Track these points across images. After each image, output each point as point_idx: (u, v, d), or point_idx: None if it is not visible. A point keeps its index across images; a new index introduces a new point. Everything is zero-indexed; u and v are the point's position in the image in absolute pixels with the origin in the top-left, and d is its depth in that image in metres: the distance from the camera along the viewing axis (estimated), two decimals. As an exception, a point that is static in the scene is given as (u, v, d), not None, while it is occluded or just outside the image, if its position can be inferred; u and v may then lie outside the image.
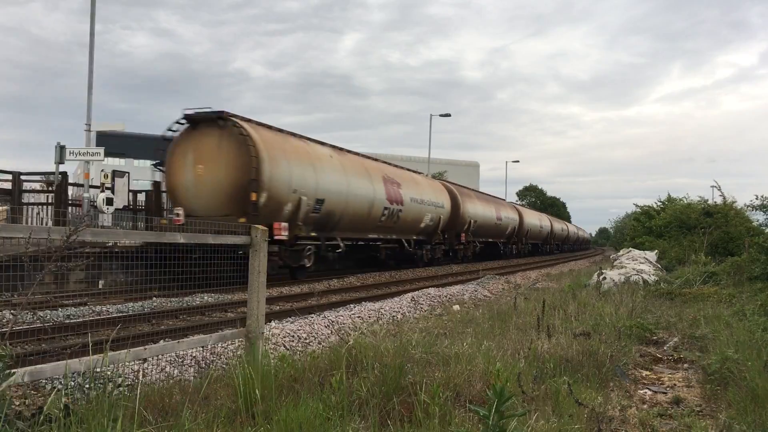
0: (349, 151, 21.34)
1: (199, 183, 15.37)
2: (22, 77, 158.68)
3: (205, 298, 12.05)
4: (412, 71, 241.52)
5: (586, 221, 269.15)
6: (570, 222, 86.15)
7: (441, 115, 45.15)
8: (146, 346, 4.80)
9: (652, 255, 19.95)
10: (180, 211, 15.37)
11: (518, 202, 71.56)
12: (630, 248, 23.35)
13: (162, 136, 16.27)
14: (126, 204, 21.85)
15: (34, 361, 5.90)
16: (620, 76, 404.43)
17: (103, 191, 19.29)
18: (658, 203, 32.65)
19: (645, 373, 6.18)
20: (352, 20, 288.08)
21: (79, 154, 18.87)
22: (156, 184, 18.61)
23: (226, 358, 6.20)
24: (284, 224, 15.45)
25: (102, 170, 20.63)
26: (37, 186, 21.79)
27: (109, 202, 18.91)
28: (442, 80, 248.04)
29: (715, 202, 26.50)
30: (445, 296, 13.66)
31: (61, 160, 18.63)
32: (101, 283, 13.80)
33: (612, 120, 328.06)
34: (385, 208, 21.31)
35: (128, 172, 22.62)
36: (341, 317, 9.90)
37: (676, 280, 14.08)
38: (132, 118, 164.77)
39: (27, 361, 5.33)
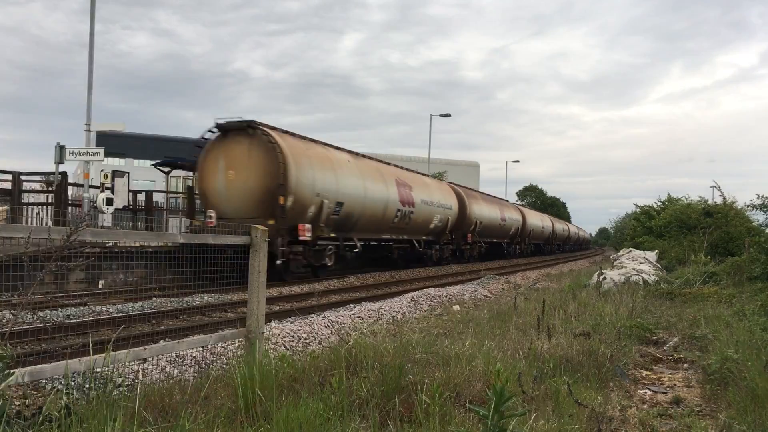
0: (364, 156, 22.39)
1: (230, 187, 16.29)
2: (22, 77, 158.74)
3: (206, 298, 12.06)
4: (412, 71, 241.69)
5: (586, 221, 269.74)
6: (570, 222, 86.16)
7: (441, 115, 45.20)
8: (146, 346, 4.80)
9: (652, 255, 19.95)
10: (212, 213, 16.36)
11: (518, 202, 71.64)
12: (630, 248, 23.35)
13: (194, 143, 17.48)
14: (126, 204, 21.85)
15: (34, 361, 5.90)
16: (620, 76, 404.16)
17: (102, 191, 19.29)
18: (658, 203, 32.68)
19: (645, 373, 6.18)
20: (352, 20, 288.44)
21: (79, 154, 18.86)
22: (189, 189, 19.58)
23: (226, 358, 6.20)
24: (308, 226, 16.43)
25: (102, 170, 20.63)
26: (37, 186, 21.80)
27: (109, 202, 18.91)
28: (442, 80, 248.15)
29: (715, 202, 26.52)
30: (445, 296, 13.66)
31: (61, 160, 18.63)
32: (101, 283, 13.81)
33: (612, 120, 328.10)
34: (398, 210, 22.28)
35: (128, 172, 22.61)
36: (341, 317, 9.90)
37: (676, 280, 14.08)
38: (132, 118, 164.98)
39: (27, 361, 5.33)
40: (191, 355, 6.34)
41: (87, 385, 4.67)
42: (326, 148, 19.30)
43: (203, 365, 6.19)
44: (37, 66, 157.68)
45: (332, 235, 18.02)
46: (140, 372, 5.52)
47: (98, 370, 4.29)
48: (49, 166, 19.89)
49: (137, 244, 14.73)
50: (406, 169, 26.25)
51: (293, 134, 17.78)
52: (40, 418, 3.50)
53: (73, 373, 4.72)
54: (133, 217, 21.91)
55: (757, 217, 20.93)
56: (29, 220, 18.08)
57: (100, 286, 13.55)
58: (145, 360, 5.55)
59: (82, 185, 20.46)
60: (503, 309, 9.57)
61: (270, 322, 8.55)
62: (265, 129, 16.34)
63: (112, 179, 20.48)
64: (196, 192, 17.64)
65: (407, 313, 11.12)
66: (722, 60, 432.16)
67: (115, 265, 14.41)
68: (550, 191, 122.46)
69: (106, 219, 19.15)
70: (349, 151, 21.05)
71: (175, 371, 5.86)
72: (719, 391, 5.08)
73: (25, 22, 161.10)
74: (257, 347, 5.34)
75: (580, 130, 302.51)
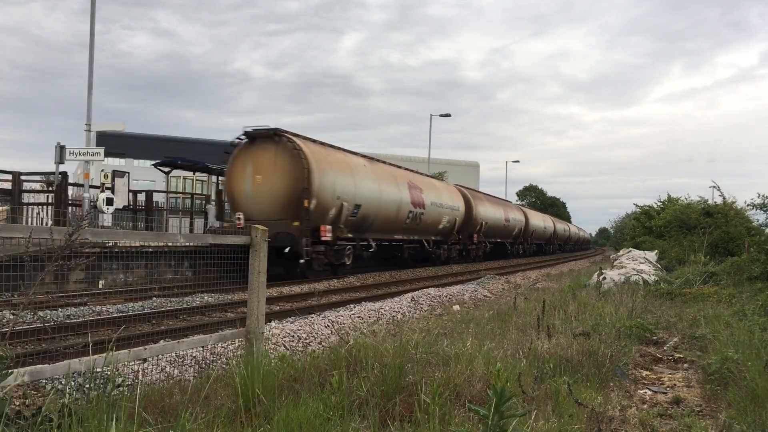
0: (378, 160, 23.57)
1: (257, 191, 17.33)
2: (22, 77, 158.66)
3: (206, 298, 12.07)
4: (412, 71, 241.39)
5: (586, 221, 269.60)
6: (570, 222, 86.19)
7: (441, 115, 45.25)
8: (146, 346, 4.80)
9: (652, 255, 19.95)
10: (240, 215, 17.37)
11: (519, 202, 71.70)
12: (630, 248, 23.36)
13: (224, 150, 18.67)
14: (126, 204, 21.86)
15: (34, 361, 5.90)
16: (620, 76, 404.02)
17: (103, 191, 19.31)
18: (658, 203, 32.67)
19: (645, 373, 6.18)
20: (352, 20, 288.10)
21: (79, 154, 18.88)
22: (219, 192, 20.40)
23: (226, 358, 6.20)
24: (329, 227, 17.46)
25: (102, 170, 20.65)
26: (37, 186, 21.78)
27: (109, 202, 18.93)
28: (442, 80, 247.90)
29: (715, 202, 26.52)
30: (445, 296, 13.66)
31: (61, 160, 18.64)
32: (101, 282, 13.82)
33: (612, 120, 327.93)
34: (410, 212, 23.44)
35: (128, 172, 22.63)
36: (341, 317, 9.90)
37: (676, 280, 14.08)
38: (132, 118, 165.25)
39: (27, 361, 5.33)
40: (191, 355, 6.34)
41: (87, 385, 4.67)
42: (344, 153, 20.46)
43: (203, 365, 6.19)
44: (37, 66, 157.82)
45: (349, 235, 19.03)
46: (140, 372, 5.52)
47: (98, 370, 4.29)
48: (49, 166, 19.92)
49: (137, 244, 14.77)
50: (416, 172, 27.54)
51: (315, 141, 18.78)
52: (40, 418, 3.50)
53: (73, 373, 4.72)
54: (134, 217, 21.93)
55: (757, 217, 20.94)
56: (29, 220, 18.07)
57: (100, 286, 13.56)
58: (145, 360, 5.55)
59: (82, 185, 20.46)
60: (503, 309, 9.56)
61: (270, 322, 8.56)
62: (290, 136, 17.33)
63: (113, 179, 20.49)
64: (225, 196, 18.54)
65: (407, 313, 11.13)
66: (722, 60, 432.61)
67: (115, 265, 14.42)
68: (550, 191, 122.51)
69: (106, 219, 19.16)
70: (364, 156, 22.10)
71: (175, 371, 5.86)
72: (719, 391, 5.08)
73: (25, 22, 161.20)
74: (257, 347, 5.34)
75: (580, 130, 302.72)
